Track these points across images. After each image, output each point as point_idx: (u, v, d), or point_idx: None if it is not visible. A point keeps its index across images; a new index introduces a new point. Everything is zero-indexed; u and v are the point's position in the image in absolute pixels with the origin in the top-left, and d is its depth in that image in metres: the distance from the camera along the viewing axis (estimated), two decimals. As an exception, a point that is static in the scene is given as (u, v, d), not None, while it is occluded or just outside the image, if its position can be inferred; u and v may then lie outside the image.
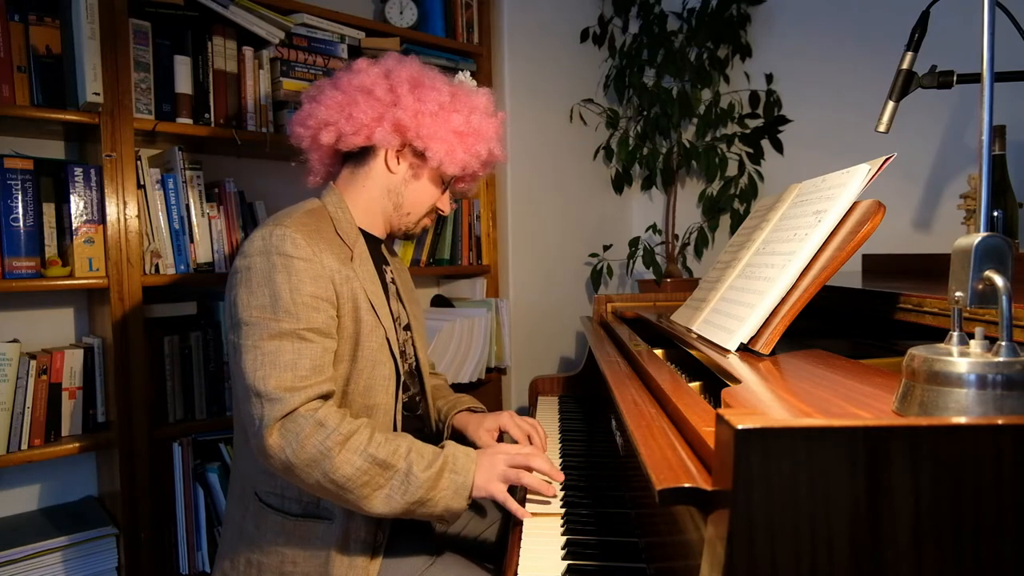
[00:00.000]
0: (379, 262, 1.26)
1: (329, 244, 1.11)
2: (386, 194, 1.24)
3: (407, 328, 1.31)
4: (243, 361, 1.00)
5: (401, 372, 1.20)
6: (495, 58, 2.29)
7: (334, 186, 1.25)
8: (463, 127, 1.22)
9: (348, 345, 1.12)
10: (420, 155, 1.22)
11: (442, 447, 1.07)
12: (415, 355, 1.32)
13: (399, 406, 1.19)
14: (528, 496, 1.10)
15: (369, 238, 1.24)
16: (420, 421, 1.34)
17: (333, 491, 0.98)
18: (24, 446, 1.42)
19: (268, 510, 1.10)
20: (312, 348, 1.03)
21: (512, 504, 1.05)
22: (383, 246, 1.33)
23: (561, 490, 1.12)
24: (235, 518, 1.15)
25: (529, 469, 1.08)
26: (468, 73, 1.37)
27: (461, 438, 1.32)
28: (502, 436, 1.33)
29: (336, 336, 1.09)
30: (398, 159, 1.23)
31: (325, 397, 1.03)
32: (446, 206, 1.33)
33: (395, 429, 1.18)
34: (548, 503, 1.09)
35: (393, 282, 1.31)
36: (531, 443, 1.27)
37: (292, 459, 0.97)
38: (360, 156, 1.24)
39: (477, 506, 1.32)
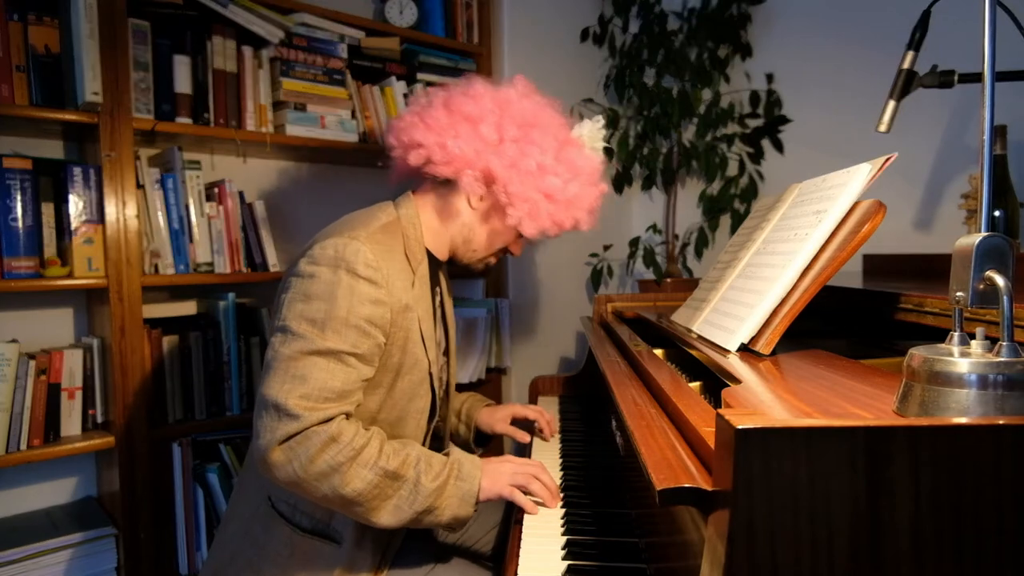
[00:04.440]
0: (433, 283, 1.21)
1: (398, 268, 1.07)
2: (459, 226, 1.19)
3: (445, 353, 1.29)
4: (273, 369, 0.96)
5: (437, 406, 1.17)
6: (495, 58, 2.29)
7: (412, 198, 1.19)
8: (557, 193, 1.14)
9: (389, 376, 1.08)
10: (502, 206, 1.16)
11: (446, 453, 1.06)
12: (447, 380, 1.31)
13: (427, 441, 1.18)
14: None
15: (431, 259, 1.19)
16: (440, 443, 1.34)
17: (340, 504, 0.97)
18: (23, 446, 1.42)
19: (278, 518, 1.09)
20: (347, 372, 0.98)
21: (519, 497, 1.04)
22: (440, 267, 1.28)
23: (561, 491, 1.12)
24: (243, 516, 1.13)
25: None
26: (600, 122, 1.24)
27: (479, 432, 1.42)
28: (513, 422, 1.43)
29: (375, 364, 1.05)
30: (481, 198, 1.17)
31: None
32: (518, 250, 1.27)
33: None
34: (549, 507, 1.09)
35: (441, 305, 1.27)
36: (543, 419, 1.44)
37: (299, 473, 0.94)
38: (445, 180, 1.17)
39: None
